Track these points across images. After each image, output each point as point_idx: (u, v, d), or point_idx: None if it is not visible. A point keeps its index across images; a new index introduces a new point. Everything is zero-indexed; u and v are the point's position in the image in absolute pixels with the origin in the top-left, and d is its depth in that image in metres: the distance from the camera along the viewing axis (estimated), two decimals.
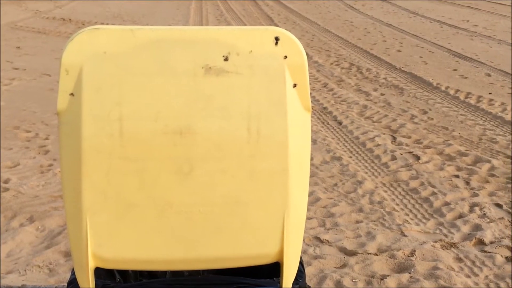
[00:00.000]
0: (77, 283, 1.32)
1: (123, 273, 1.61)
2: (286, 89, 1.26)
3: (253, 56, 1.25)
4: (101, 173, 1.24)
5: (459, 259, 3.51)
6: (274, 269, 1.39)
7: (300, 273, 1.42)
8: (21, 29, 11.39)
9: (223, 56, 1.25)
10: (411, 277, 3.33)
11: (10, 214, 3.98)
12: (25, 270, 3.40)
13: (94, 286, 1.32)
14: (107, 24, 10.39)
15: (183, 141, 1.24)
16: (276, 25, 12.14)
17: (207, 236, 1.29)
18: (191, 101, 1.24)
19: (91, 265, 1.29)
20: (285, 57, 1.26)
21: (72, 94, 1.23)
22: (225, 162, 1.26)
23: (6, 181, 4.48)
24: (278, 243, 1.30)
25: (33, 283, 3.30)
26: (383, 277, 3.33)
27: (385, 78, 8.03)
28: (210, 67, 1.24)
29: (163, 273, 1.65)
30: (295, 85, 1.27)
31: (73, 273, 1.37)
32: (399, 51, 10.01)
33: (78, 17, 13.06)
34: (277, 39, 1.26)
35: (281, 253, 1.31)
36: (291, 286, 1.34)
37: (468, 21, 13.42)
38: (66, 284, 1.46)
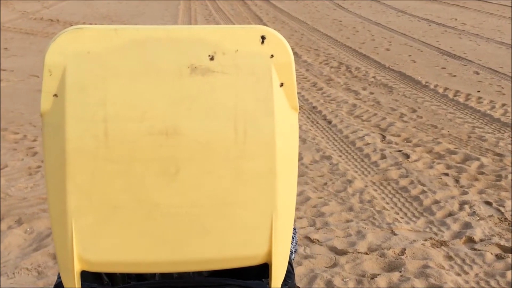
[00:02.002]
0: (63, 287, 1.30)
1: (111, 276, 1.59)
2: (273, 88, 1.24)
3: (239, 55, 1.24)
4: (86, 175, 1.22)
5: (449, 257, 3.52)
6: (263, 270, 1.37)
7: (289, 274, 1.41)
8: (9, 30, 11.33)
9: (209, 56, 1.23)
10: (401, 276, 3.33)
11: None
12: (14, 273, 3.38)
13: None
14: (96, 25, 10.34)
15: (169, 142, 1.23)
16: (265, 24, 12.14)
17: (195, 237, 1.27)
18: (177, 101, 1.22)
19: (77, 268, 1.27)
20: (272, 56, 1.25)
21: (55, 95, 1.20)
22: (212, 163, 1.24)
23: None
24: (266, 244, 1.29)
25: (22, 285, 3.28)
26: (373, 276, 3.33)
27: (374, 77, 8.05)
28: (195, 67, 1.22)
29: (152, 275, 1.64)
30: (282, 84, 1.25)
31: (59, 277, 1.35)
32: (388, 49, 10.03)
33: (66, 17, 13.01)
34: (263, 37, 1.25)
35: (269, 254, 1.29)
36: (280, 287, 1.33)
37: (456, 19, 13.48)
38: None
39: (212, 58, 1.23)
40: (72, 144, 1.21)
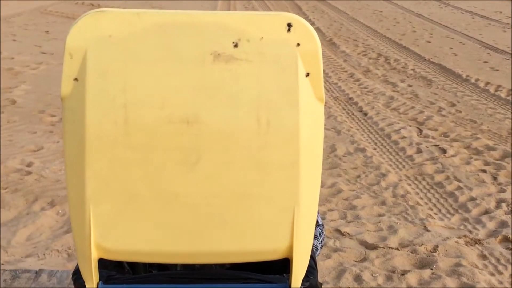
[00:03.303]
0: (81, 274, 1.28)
1: (133, 264, 1.57)
2: (298, 78, 1.20)
3: (264, 43, 1.20)
4: (104, 161, 1.19)
5: (484, 256, 3.43)
6: (285, 265, 1.34)
7: (312, 269, 1.37)
8: (51, 13, 11.47)
9: (233, 43, 1.19)
10: (432, 273, 3.26)
11: (32, 197, 4.00)
12: (44, 254, 3.42)
13: (97, 277, 1.28)
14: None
15: (189, 130, 1.19)
16: (304, 14, 12.04)
17: (213, 229, 1.24)
18: (199, 89, 1.19)
19: (94, 256, 1.25)
20: (298, 44, 1.20)
21: (76, 79, 1.18)
22: (233, 153, 1.21)
23: (29, 165, 4.51)
24: (287, 238, 1.25)
25: (51, 267, 3.30)
26: (403, 273, 3.27)
27: (413, 69, 7.91)
28: (219, 54, 1.18)
29: (174, 265, 1.61)
30: (307, 74, 1.21)
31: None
32: (428, 42, 9.85)
33: (107, 2, 13.10)
34: (289, 25, 1.20)
35: (290, 249, 1.25)
36: (300, 283, 1.29)
37: (501, 12, 13.16)
38: None
39: (236, 45, 1.19)
40: (91, 129, 1.18)
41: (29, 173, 4.39)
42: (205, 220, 1.23)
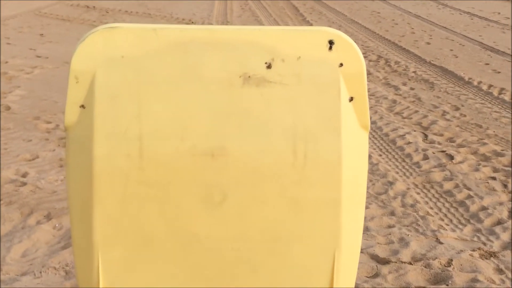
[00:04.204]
0: None
1: None
2: (341, 103, 1.04)
3: (302, 63, 1.03)
4: (115, 200, 1.03)
5: (500, 271, 3.29)
6: None
7: None
8: (45, 16, 11.28)
9: (266, 63, 1.03)
10: None
11: (27, 210, 3.83)
12: (41, 272, 3.25)
13: None
14: (131, 12, 10.31)
15: (214, 164, 1.03)
16: (301, 15, 11.89)
17: (241, 277, 1.07)
18: (225, 116, 1.02)
19: None
20: (341, 64, 1.04)
21: (82, 106, 1.02)
22: (264, 189, 1.04)
23: (24, 175, 4.34)
24: (326, 286, 1.08)
25: (48, 286, 3.15)
26: None
27: (414, 72, 7.78)
28: (249, 76, 1.02)
29: None
30: (351, 99, 1.05)
31: None
32: (428, 43, 9.73)
33: (102, 4, 12.93)
34: (331, 42, 1.04)
35: None
36: None
37: (499, 13, 13.06)
38: None
39: (269, 66, 1.03)
40: (100, 163, 1.02)
41: (24, 184, 4.22)
42: (231, 267, 1.07)
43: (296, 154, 1.02)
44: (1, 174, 4.26)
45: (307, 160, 1.02)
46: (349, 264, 1.07)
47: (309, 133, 1.02)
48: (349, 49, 1.05)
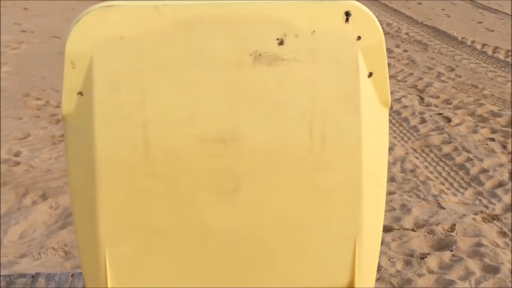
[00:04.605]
0: None
1: None
2: (360, 79, 0.96)
3: (317, 38, 0.95)
4: (121, 194, 0.95)
5: (504, 234, 3.26)
6: None
7: None
8: None
9: (277, 39, 0.94)
10: (453, 255, 3.08)
11: (22, 190, 3.76)
12: (39, 253, 3.20)
13: None
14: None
15: (226, 150, 0.95)
16: None
17: (258, 268, 1.01)
18: (236, 99, 0.94)
19: None
20: (359, 38, 0.96)
21: (80, 93, 0.93)
22: (280, 176, 0.97)
23: (16, 154, 4.27)
24: (347, 274, 1.02)
25: (48, 268, 3.10)
26: (423, 256, 3.09)
27: (407, 33, 7.69)
28: (260, 54, 0.94)
29: None
30: (370, 74, 0.97)
31: None
32: (419, 3, 9.61)
33: None
34: (347, 14, 0.95)
35: (351, 285, 1.02)
36: None
37: None
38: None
39: (281, 42, 0.94)
40: (103, 155, 0.94)
41: (18, 163, 4.14)
42: (248, 258, 1.00)
43: (313, 137, 0.95)
44: None
45: (325, 143, 0.95)
46: (370, 250, 1.01)
47: (326, 113, 0.95)
48: (367, 21, 0.96)
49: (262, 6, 0.95)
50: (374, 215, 1.00)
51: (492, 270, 2.93)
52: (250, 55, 0.94)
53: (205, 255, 0.99)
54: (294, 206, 0.98)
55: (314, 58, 0.95)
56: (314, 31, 0.95)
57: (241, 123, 0.95)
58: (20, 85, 5.77)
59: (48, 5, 9.80)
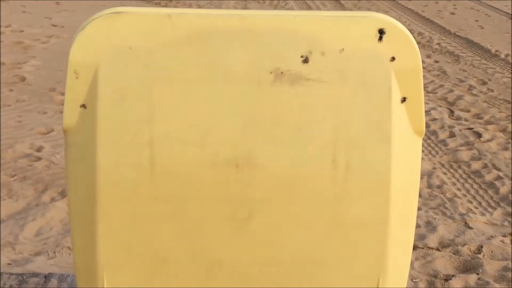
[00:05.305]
0: None
1: None
2: (392, 105, 0.86)
3: (346, 57, 0.86)
4: (123, 216, 0.87)
5: None
6: None
7: None
8: None
9: (302, 56, 0.85)
10: (479, 279, 2.97)
11: (41, 187, 3.74)
12: (54, 252, 3.17)
13: None
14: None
15: (239, 176, 0.86)
16: None
17: None
18: (253, 120, 0.86)
19: None
20: (393, 58, 0.86)
21: (83, 106, 0.85)
22: (298, 206, 0.87)
23: (38, 149, 4.25)
24: None
25: (62, 268, 3.05)
26: (447, 278, 2.99)
27: (438, 44, 7.54)
28: (281, 72, 0.85)
29: None
30: (404, 99, 0.87)
31: None
32: (452, 13, 9.46)
33: None
34: (381, 32, 0.86)
35: None
36: None
37: None
38: None
39: (306, 60, 0.85)
40: (105, 174, 0.86)
41: (39, 158, 4.12)
42: None
43: (337, 165, 0.85)
44: (16, 148, 4.17)
45: (349, 173, 0.86)
46: None
47: (352, 141, 0.85)
48: (403, 40, 0.87)
49: (286, 19, 0.86)
50: (400, 253, 0.90)
51: None
52: (270, 72, 0.85)
53: None
54: (312, 240, 0.88)
55: (342, 79, 0.85)
56: (343, 49, 0.86)
57: (256, 147, 0.86)
58: (47, 79, 5.78)
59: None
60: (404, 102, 0.87)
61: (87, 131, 0.86)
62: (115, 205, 0.87)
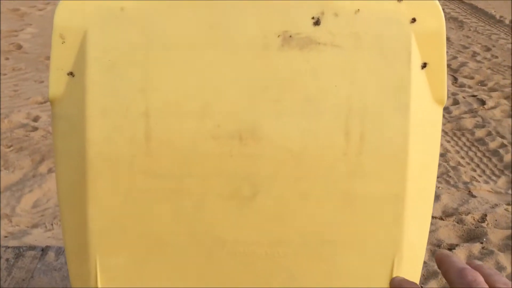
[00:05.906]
0: None
1: None
2: (411, 71, 0.78)
3: (361, 19, 0.78)
4: (116, 194, 0.80)
5: None
6: None
7: None
8: None
9: (313, 18, 0.77)
10: (483, 248, 2.95)
11: (38, 157, 3.70)
12: (52, 224, 3.14)
13: None
14: None
15: (243, 150, 0.79)
16: None
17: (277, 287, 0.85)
18: (258, 88, 0.78)
19: None
20: (413, 20, 0.78)
21: (71, 74, 0.78)
22: (307, 182, 0.80)
23: (35, 119, 4.21)
24: None
25: (60, 240, 3.03)
26: (451, 247, 2.97)
27: (442, 10, 7.45)
28: (290, 36, 0.77)
29: None
30: (424, 65, 0.80)
31: None
32: None
33: None
34: None
35: None
36: None
37: None
38: None
39: (317, 22, 0.77)
40: (96, 148, 0.78)
41: (36, 128, 4.08)
42: (264, 277, 0.85)
43: (350, 137, 0.78)
44: (12, 118, 4.12)
45: (363, 145, 0.78)
46: (411, 271, 0.85)
47: (367, 110, 0.78)
48: (425, 1, 0.79)
49: None
50: (417, 231, 0.84)
51: None
52: (278, 36, 0.77)
53: (214, 271, 0.83)
54: (322, 218, 0.82)
55: (357, 43, 0.78)
56: (358, 10, 0.78)
57: (262, 118, 0.78)
58: (44, 47, 5.71)
59: None
60: (424, 68, 0.80)
61: (75, 101, 0.78)
62: (107, 182, 0.80)
